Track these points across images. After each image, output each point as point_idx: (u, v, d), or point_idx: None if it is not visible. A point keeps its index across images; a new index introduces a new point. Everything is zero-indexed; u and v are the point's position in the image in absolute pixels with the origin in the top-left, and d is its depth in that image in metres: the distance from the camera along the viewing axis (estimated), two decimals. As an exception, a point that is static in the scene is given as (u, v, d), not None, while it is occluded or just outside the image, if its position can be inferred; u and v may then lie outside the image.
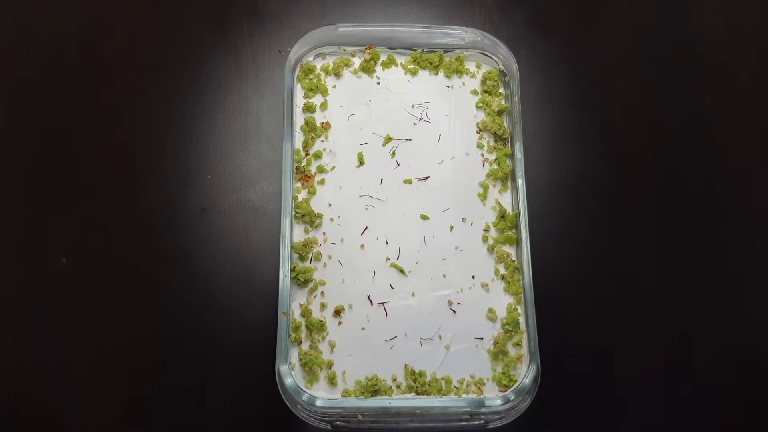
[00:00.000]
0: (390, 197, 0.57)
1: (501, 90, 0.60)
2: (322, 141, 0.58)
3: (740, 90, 0.66)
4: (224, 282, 0.57)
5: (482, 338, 0.53)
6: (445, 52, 0.61)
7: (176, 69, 0.63)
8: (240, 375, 0.54)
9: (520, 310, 0.54)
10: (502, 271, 0.55)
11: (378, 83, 0.60)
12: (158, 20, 0.66)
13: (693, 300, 0.59)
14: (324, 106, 0.59)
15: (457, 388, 0.52)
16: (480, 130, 0.59)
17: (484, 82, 0.61)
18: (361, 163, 0.58)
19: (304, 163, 0.57)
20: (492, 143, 0.59)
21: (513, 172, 0.58)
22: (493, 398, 0.51)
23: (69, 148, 0.60)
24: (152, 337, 0.56)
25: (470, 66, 0.61)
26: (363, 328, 0.53)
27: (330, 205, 0.56)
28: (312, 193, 0.56)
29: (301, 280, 0.53)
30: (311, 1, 0.66)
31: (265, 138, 0.61)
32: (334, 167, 0.57)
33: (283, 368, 0.50)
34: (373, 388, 0.51)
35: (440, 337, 0.53)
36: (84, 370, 0.54)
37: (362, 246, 0.55)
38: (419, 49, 0.61)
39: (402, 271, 0.54)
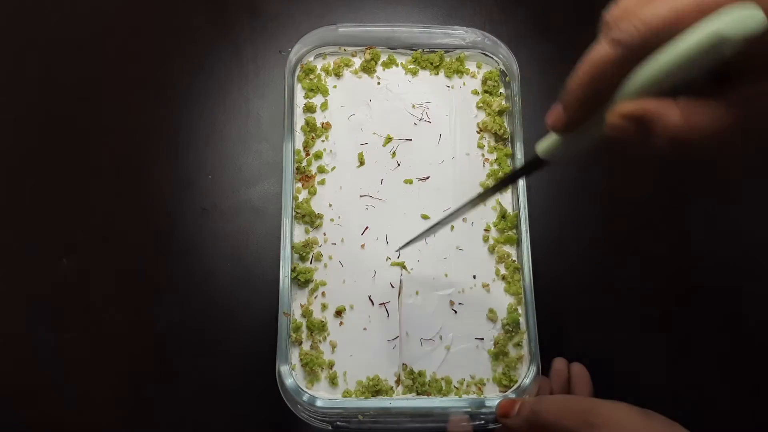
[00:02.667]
0: (390, 197, 0.57)
1: (501, 90, 0.60)
2: (323, 141, 0.58)
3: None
4: (224, 282, 0.57)
5: (483, 338, 0.53)
6: (446, 52, 0.61)
7: (176, 69, 0.63)
8: (240, 375, 0.54)
9: (520, 310, 0.54)
10: (503, 271, 0.55)
11: (378, 83, 0.60)
12: (158, 20, 0.65)
13: (694, 299, 0.59)
14: (324, 106, 0.59)
15: (457, 388, 0.52)
16: (480, 130, 0.59)
17: (484, 82, 0.61)
18: (362, 163, 0.57)
19: (304, 164, 0.57)
20: (492, 143, 0.59)
21: (513, 172, 0.58)
22: (494, 399, 0.51)
23: (69, 148, 0.60)
24: (152, 337, 0.56)
25: (471, 66, 0.61)
26: (364, 329, 0.53)
27: (330, 205, 0.56)
28: (312, 193, 0.56)
29: (302, 280, 0.53)
30: (311, 1, 0.66)
31: (266, 138, 0.61)
32: (334, 167, 0.57)
33: (283, 368, 0.50)
34: (375, 389, 0.51)
35: (441, 337, 0.53)
36: (84, 369, 0.54)
37: (363, 246, 0.55)
38: (420, 49, 0.61)
39: (405, 267, 0.54)
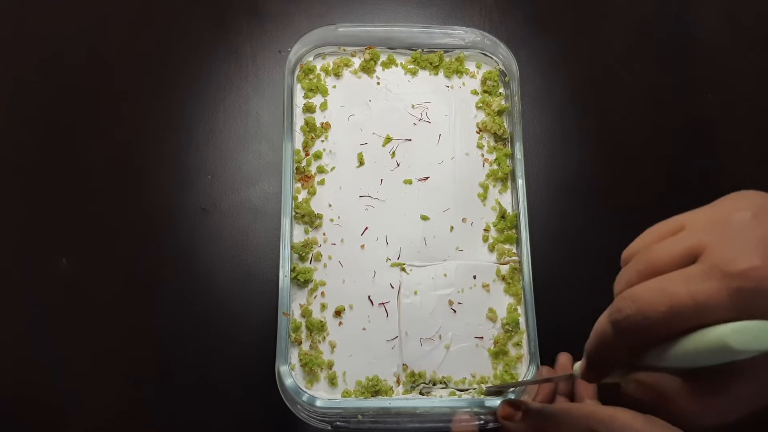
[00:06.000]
0: (390, 197, 0.57)
1: (501, 90, 0.60)
2: (322, 141, 0.58)
3: (740, 90, 0.66)
4: (224, 282, 0.57)
5: (482, 338, 0.53)
6: (445, 52, 0.61)
7: (176, 69, 0.63)
8: (240, 375, 0.54)
9: (520, 310, 0.54)
10: (503, 271, 0.55)
11: (378, 83, 0.60)
12: (158, 20, 0.65)
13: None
14: (324, 106, 0.59)
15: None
16: (480, 130, 0.59)
17: (484, 82, 0.61)
18: (361, 163, 0.58)
19: (304, 164, 0.57)
20: (492, 143, 0.59)
21: (513, 172, 0.58)
22: (494, 398, 0.51)
23: (69, 148, 0.60)
24: (152, 337, 0.56)
25: (470, 66, 0.61)
26: (364, 329, 0.53)
27: (330, 205, 0.56)
28: (312, 193, 0.56)
29: (301, 280, 0.53)
30: (311, 1, 0.66)
31: (265, 138, 0.61)
32: (334, 167, 0.57)
33: (283, 368, 0.50)
34: (374, 389, 0.51)
35: (440, 336, 0.53)
36: (84, 369, 0.54)
37: (362, 246, 0.55)
38: (419, 49, 0.61)
39: (404, 269, 0.54)
